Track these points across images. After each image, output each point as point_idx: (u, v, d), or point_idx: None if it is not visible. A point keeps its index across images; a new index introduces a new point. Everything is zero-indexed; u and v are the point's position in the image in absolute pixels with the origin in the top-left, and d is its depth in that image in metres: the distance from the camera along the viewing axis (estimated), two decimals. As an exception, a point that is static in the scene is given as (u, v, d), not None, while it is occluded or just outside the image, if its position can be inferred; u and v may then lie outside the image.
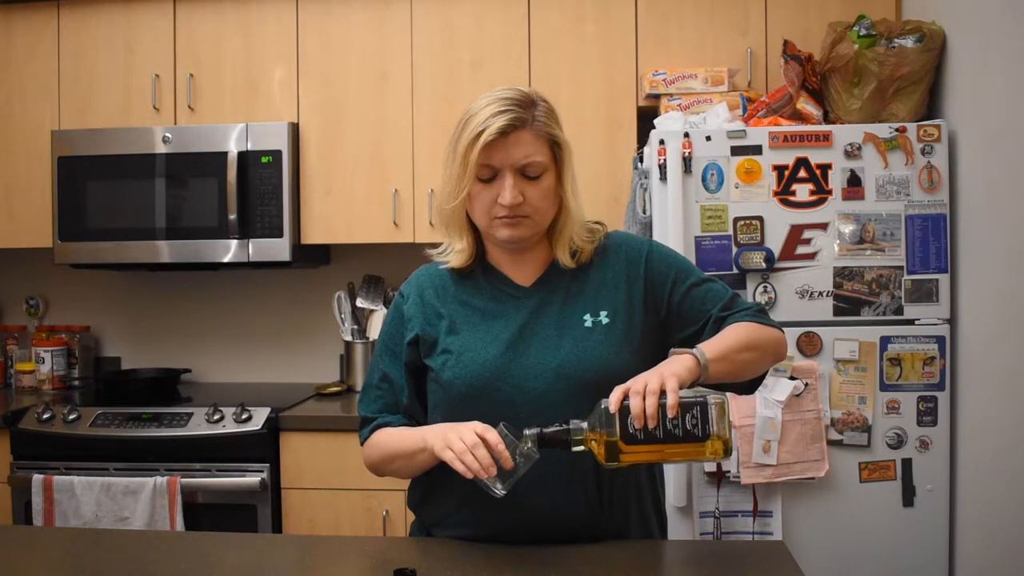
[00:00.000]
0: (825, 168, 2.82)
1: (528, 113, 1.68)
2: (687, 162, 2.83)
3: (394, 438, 1.77)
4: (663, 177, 2.83)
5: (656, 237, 2.86)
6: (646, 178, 2.96)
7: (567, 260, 1.78)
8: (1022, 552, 2.44)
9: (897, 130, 2.84)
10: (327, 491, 3.15)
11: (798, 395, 2.75)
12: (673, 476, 2.77)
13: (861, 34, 3.02)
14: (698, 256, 2.81)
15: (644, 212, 2.94)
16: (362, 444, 1.85)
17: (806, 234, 2.81)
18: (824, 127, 2.87)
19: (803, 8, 3.37)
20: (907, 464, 2.79)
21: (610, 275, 1.79)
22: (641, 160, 3.05)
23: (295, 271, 3.88)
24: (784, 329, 1.79)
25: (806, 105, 3.03)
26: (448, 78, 3.48)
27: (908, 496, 2.79)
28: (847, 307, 2.80)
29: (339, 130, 3.52)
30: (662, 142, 2.85)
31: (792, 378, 2.75)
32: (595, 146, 3.41)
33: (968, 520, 2.76)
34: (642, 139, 3.29)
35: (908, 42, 2.98)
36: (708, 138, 2.84)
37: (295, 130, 3.51)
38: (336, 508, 3.14)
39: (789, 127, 2.89)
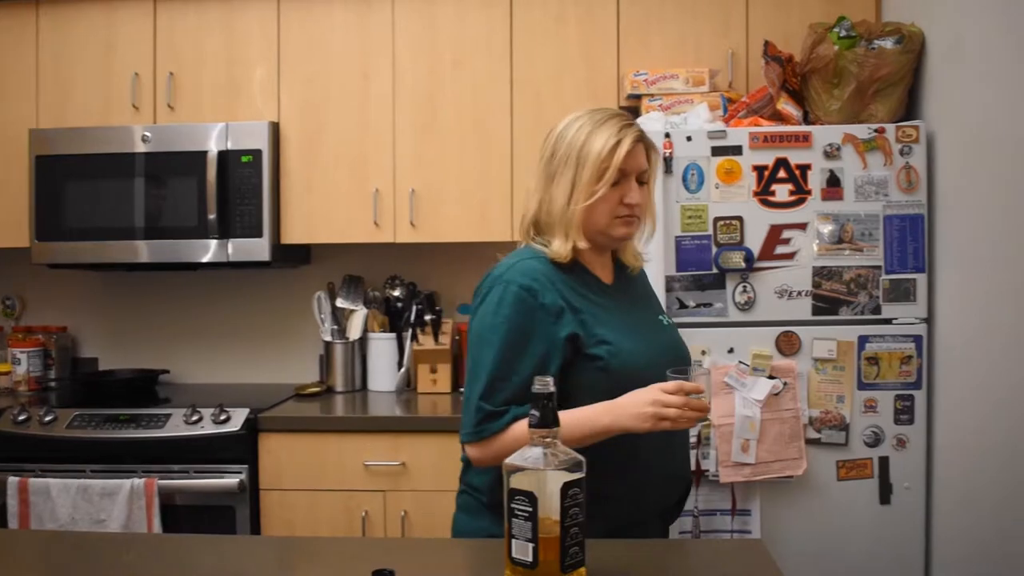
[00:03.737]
0: (804, 168, 2.83)
1: (640, 128, 1.92)
2: (668, 162, 2.83)
3: None
4: (643, 177, 2.83)
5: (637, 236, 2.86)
6: (626, 178, 2.96)
7: (633, 261, 2.07)
8: (998, 550, 2.46)
9: (876, 131, 2.85)
10: (306, 492, 3.13)
11: (776, 394, 2.76)
12: (653, 475, 2.77)
13: (841, 35, 3.03)
14: (678, 256, 2.81)
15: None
16: (484, 439, 1.83)
17: (785, 234, 2.82)
18: (804, 128, 2.88)
19: (784, 9, 3.37)
20: (884, 462, 2.81)
21: (651, 288, 2.16)
22: (622, 160, 3.05)
23: (275, 271, 3.87)
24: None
25: (786, 106, 3.04)
26: (430, 77, 3.47)
27: (885, 494, 2.81)
28: (825, 306, 2.81)
29: (320, 129, 3.51)
30: (642, 142, 2.85)
31: (771, 377, 2.76)
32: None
33: (944, 518, 2.77)
34: (623, 139, 3.29)
35: (888, 43, 3.00)
36: (689, 138, 2.85)
37: (276, 129, 3.49)
38: (315, 509, 3.13)
39: (769, 128, 2.90)
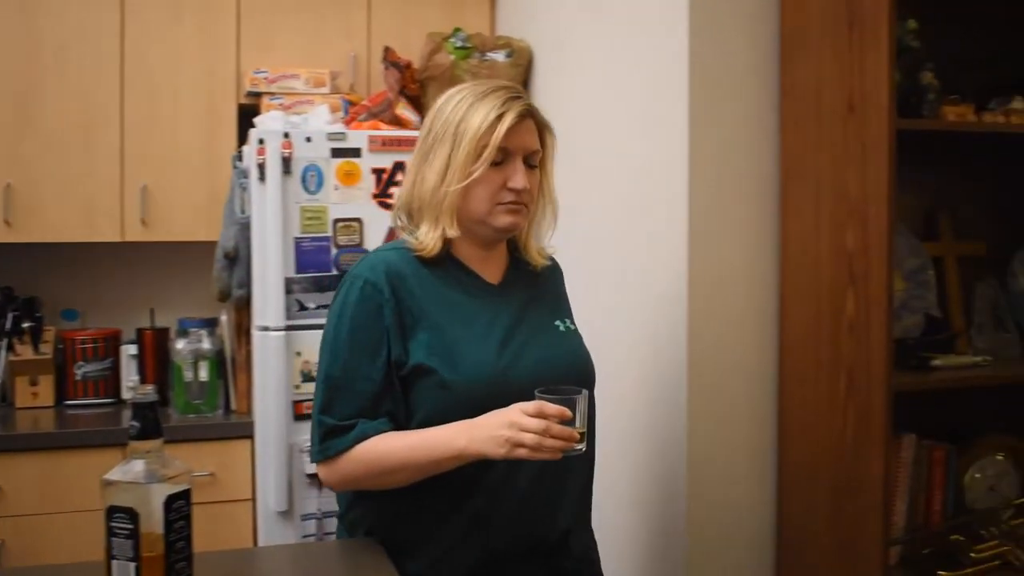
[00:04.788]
0: (421, 172, 2.91)
1: (530, 102, 1.69)
2: (287, 162, 2.79)
3: (399, 446, 1.59)
4: (262, 177, 2.78)
5: (255, 238, 2.80)
6: (245, 177, 2.89)
7: (536, 258, 1.80)
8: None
9: (488, 138, 2.99)
10: None
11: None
12: (273, 479, 2.72)
13: (457, 46, 3.16)
14: (298, 258, 2.79)
15: (242, 212, 2.87)
16: (332, 456, 1.61)
17: (403, 236, 2.88)
18: (421, 133, 2.96)
19: (405, 17, 3.44)
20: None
21: (561, 289, 1.90)
22: (240, 159, 2.97)
23: None
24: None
25: (405, 111, 3.12)
26: (27, 69, 3.14)
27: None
28: (442, 306, 2.91)
29: None
30: (261, 141, 2.80)
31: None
32: (194, 142, 3.26)
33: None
34: (244, 138, 3.20)
35: (500, 56, 3.16)
36: (308, 139, 2.83)
37: None
38: None
39: (388, 131, 2.95)
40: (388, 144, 2.89)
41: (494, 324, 1.69)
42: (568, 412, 1.49)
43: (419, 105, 3.18)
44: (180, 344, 3.14)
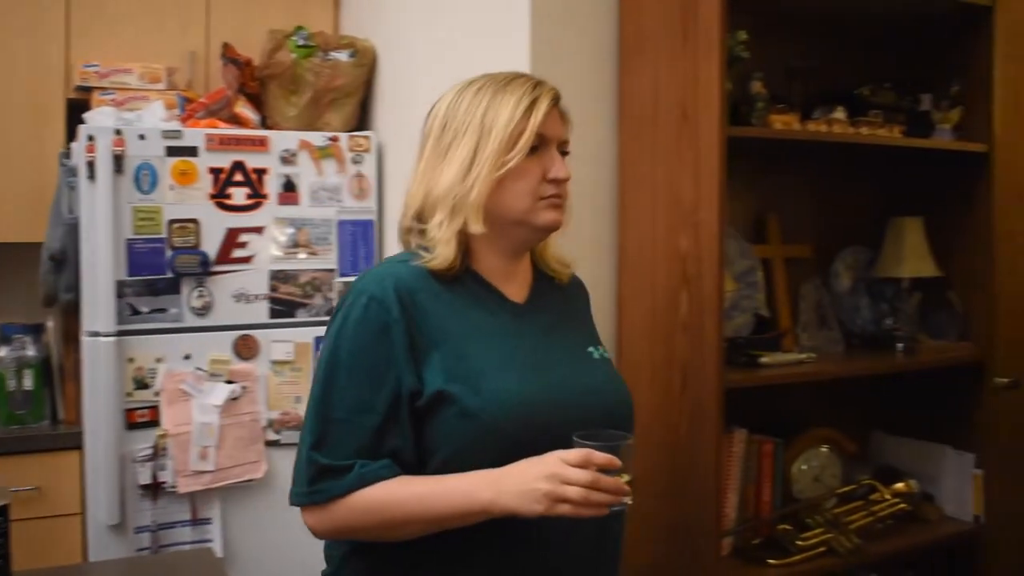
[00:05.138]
0: (262, 173, 2.85)
1: (555, 88, 1.51)
2: (119, 161, 2.68)
3: (406, 496, 1.35)
4: (92, 176, 2.66)
5: (85, 240, 2.68)
6: (74, 176, 2.75)
7: (557, 268, 1.61)
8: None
9: (331, 139, 2.96)
10: None
11: (236, 399, 2.74)
12: (104, 492, 2.60)
13: (299, 44, 3.10)
14: (131, 260, 2.67)
15: (70, 212, 2.73)
16: (320, 503, 1.38)
17: (242, 237, 2.81)
18: (261, 132, 2.90)
19: (246, 14, 3.35)
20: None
21: (588, 310, 1.71)
22: (68, 156, 2.84)
23: None
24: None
25: (244, 109, 3.04)
26: None
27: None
28: (282, 309, 2.85)
29: None
30: (91, 138, 2.68)
31: (229, 382, 2.74)
32: (18, 138, 3.08)
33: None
34: (73, 134, 3.06)
35: (343, 56, 3.13)
36: (142, 137, 2.72)
37: None
38: None
39: (226, 130, 2.87)
40: (226, 143, 2.81)
41: (518, 348, 1.47)
42: (618, 461, 1.29)
43: (259, 103, 3.11)
44: (2, 351, 2.98)
